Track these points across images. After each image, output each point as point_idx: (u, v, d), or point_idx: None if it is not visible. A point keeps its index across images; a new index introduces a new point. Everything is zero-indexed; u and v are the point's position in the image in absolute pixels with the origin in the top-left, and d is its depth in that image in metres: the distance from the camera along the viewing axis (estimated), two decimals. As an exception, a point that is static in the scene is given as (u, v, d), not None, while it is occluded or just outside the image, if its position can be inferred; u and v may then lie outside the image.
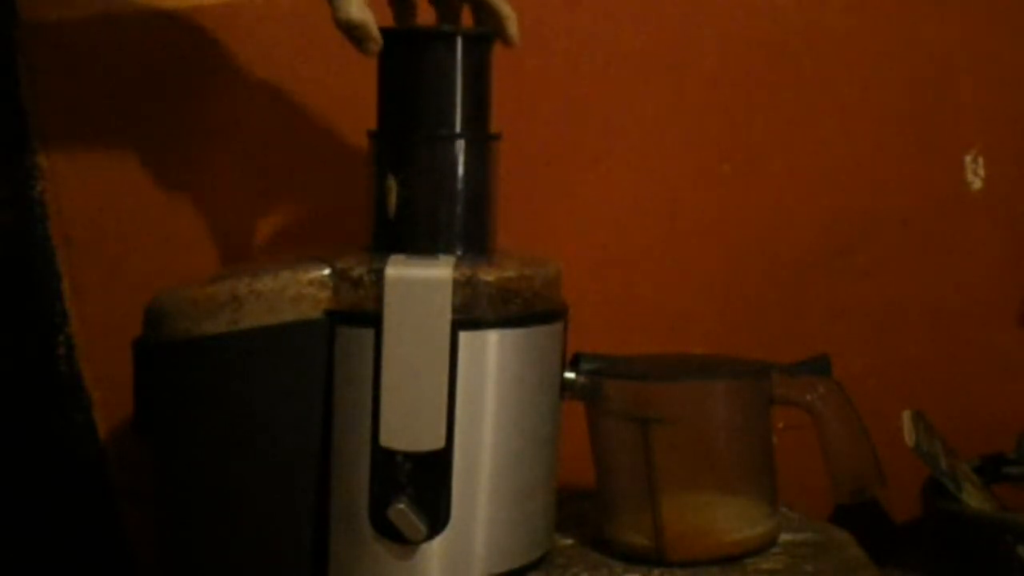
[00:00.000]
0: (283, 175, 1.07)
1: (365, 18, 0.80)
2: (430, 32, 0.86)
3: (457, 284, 0.78)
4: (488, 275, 0.79)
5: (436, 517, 0.78)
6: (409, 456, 0.78)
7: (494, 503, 0.80)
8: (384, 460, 0.78)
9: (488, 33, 0.86)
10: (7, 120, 1.00)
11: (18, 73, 1.00)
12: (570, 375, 0.87)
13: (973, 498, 1.07)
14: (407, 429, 0.78)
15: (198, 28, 1.04)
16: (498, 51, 0.88)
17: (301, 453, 0.80)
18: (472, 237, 0.84)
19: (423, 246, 0.82)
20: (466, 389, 0.78)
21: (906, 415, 1.05)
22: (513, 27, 0.87)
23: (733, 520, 0.88)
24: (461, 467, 0.79)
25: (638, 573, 0.86)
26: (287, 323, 0.79)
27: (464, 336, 0.78)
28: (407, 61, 0.83)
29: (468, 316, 0.78)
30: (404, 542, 0.78)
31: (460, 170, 0.83)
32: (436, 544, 0.79)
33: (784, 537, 0.91)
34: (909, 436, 1.03)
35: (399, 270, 0.78)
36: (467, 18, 0.91)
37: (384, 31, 0.82)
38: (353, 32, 0.81)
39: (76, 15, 1.02)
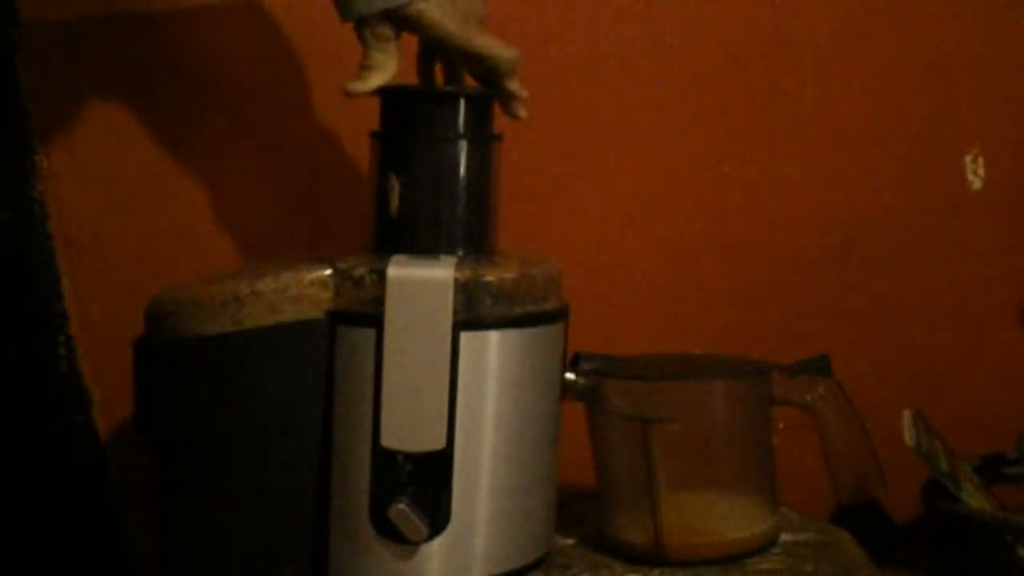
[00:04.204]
0: (284, 175, 1.07)
1: (376, 62, 0.84)
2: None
3: (458, 284, 0.78)
4: (489, 275, 0.79)
5: (436, 517, 0.78)
6: (410, 456, 0.78)
7: (494, 503, 0.80)
8: (385, 460, 0.78)
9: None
10: (7, 120, 1.00)
11: (18, 73, 1.00)
12: (570, 375, 0.87)
13: (973, 498, 1.07)
14: (408, 429, 0.77)
15: (198, 28, 1.04)
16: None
17: (301, 453, 0.80)
18: (473, 237, 0.84)
19: (425, 246, 0.82)
20: (467, 390, 0.78)
21: (906, 415, 1.05)
22: (522, 110, 0.89)
23: (733, 520, 0.88)
24: (462, 467, 0.79)
25: (638, 573, 0.86)
26: (288, 323, 0.79)
27: (465, 336, 0.78)
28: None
29: (469, 317, 0.78)
30: (404, 542, 0.78)
31: (462, 171, 0.83)
32: (436, 544, 0.79)
33: (784, 537, 0.91)
34: (909, 436, 1.03)
35: (400, 270, 0.78)
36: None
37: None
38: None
39: (76, 15, 1.02)
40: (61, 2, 1.02)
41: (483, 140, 0.85)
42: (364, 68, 0.84)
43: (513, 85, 0.87)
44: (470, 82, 0.90)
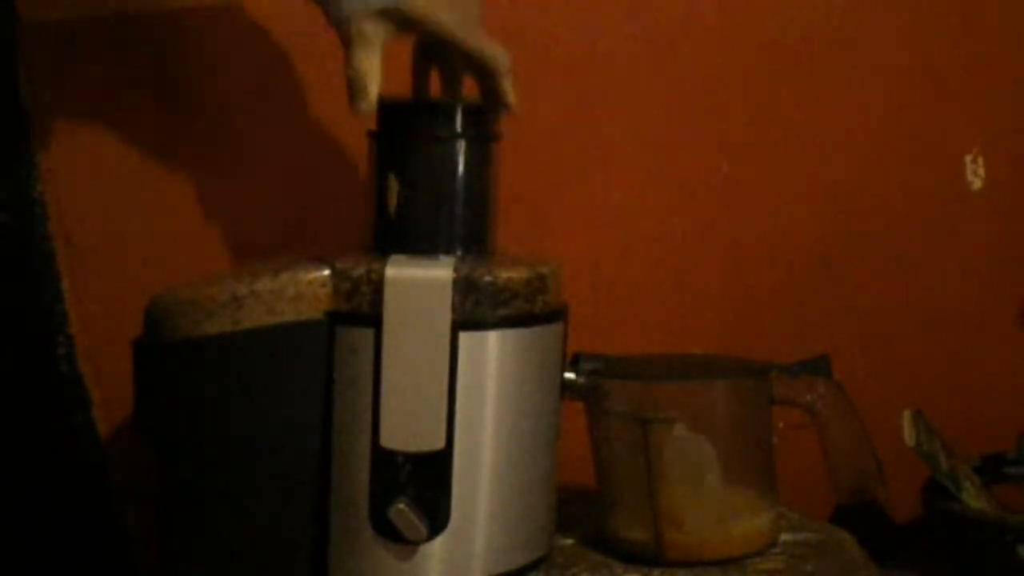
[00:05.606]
0: (283, 175, 1.07)
1: (364, 70, 0.81)
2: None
3: (457, 284, 0.78)
4: (488, 275, 0.79)
5: (436, 517, 0.78)
6: (409, 457, 0.78)
7: (494, 503, 0.80)
8: (384, 460, 0.78)
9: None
10: (7, 120, 1.00)
11: (18, 73, 1.00)
12: (570, 375, 0.87)
13: (973, 498, 1.07)
14: (407, 430, 0.78)
15: (198, 28, 1.04)
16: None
17: (301, 453, 0.80)
18: (472, 237, 0.83)
19: (423, 246, 0.82)
20: (466, 390, 0.78)
21: (906, 415, 1.05)
22: (509, 90, 0.85)
23: (733, 520, 0.88)
24: (461, 467, 0.79)
25: (638, 573, 0.85)
26: (287, 323, 0.79)
27: (464, 337, 0.78)
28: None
29: (468, 317, 0.78)
30: (404, 542, 0.78)
31: (460, 170, 0.83)
32: (436, 544, 0.79)
33: (784, 537, 0.91)
34: (909, 436, 1.03)
35: (399, 270, 0.78)
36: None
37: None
38: (350, 84, 0.82)
39: (76, 15, 1.02)
40: (61, 2, 1.02)
41: (482, 140, 0.85)
42: (356, 80, 0.81)
43: (506, 84, 0.85)
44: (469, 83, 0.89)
